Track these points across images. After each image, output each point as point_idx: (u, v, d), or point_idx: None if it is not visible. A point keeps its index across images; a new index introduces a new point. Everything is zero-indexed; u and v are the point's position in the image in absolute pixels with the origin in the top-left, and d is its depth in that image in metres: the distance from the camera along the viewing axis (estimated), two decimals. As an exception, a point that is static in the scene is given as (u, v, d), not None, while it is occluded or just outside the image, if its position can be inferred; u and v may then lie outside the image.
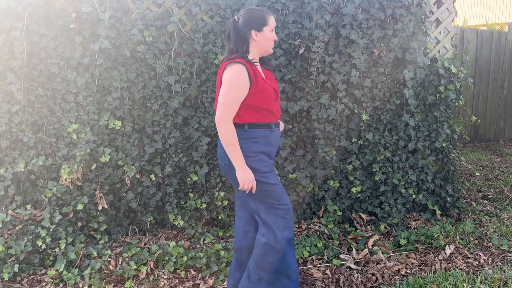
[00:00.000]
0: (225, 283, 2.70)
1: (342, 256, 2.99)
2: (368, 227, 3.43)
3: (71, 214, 3.08)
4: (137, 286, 2.69)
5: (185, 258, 2.88)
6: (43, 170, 3.09)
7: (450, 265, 2.91)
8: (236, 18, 2.25)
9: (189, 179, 3.28)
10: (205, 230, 3.35)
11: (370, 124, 3.50)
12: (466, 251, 3.10)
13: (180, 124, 3.27)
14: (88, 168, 3.12)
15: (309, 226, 3.40)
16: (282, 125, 2.65)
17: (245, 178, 2.20)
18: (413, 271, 2.85)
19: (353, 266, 2.89)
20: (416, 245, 3.14)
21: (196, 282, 2.73)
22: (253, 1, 3.17)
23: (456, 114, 3.70)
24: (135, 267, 2.81)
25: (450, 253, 3.06)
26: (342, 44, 3.32)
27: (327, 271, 2.83)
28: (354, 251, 3.04)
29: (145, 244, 3.16)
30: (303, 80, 3.36)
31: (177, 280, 2.75)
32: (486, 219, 3.64)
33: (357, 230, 3.37)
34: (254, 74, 2.21)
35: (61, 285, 2.71)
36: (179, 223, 3.22)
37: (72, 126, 3.05)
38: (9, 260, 2.80)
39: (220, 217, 3.34)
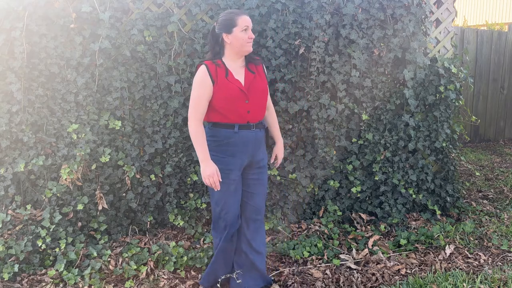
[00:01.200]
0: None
1: (342, 256, 2.99)
2: (368, 227, 3.43)
3: (71, 214, 3.08)
4: (137, 286, 2.69)
5: (185, 258, 2.88)
6: (43, 170, 3.09)
7: (450, 265, 2.91)
8: (215, 23, 2.39)
9: (189, 179, 3.29)
10: (205, 230, 3.35)
11: (370, 124, 3.50)
12: (466, 251, 3.10)
13: (180, 124, 3.27)
14: (88, 168, 3.12)
15: (309, 226, 3.40)
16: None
17: (203, 172, 2.30)
18: (413, 271, 2.85)
19: (353, 266, 2.89)
20: (416, 245, 3.14)
21: (196, 281, 2.73)
22: (253, 1, 3.17)
23: (456, 114, 3.70)
24: (135, 267, 2.81)
25: (450, 253, 3.06)
26: (342, 44, 3.32)
27: (327, 271, 2.83)
28: (354, 251, 3.04)
29: (145, 244, 3.16)
30: (303, 80, 3.36)
31: (177, 280, 2.75)
32: (486, 219, 3.64)
33: (357, 230, 3.37)
34: (216, 73, 2.32)
35: (61, 285, 2.71)
36: (179, 223, 3.22)
37: (72, 126, 3.05)
38: (9, 260, 2.80)
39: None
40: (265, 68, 2.59)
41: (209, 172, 2.28)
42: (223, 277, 2.56)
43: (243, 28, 2.30)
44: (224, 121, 2.37)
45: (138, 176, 3.20)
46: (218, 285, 2.55)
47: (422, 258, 3.00)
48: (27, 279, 2.74)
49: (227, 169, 2.38)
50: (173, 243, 3.04)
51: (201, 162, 2.30)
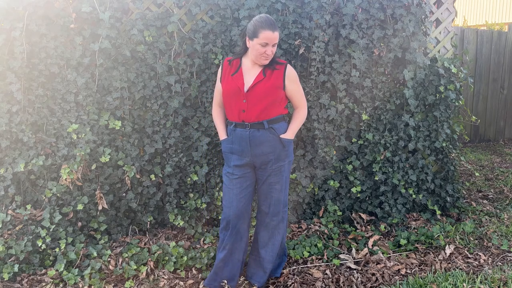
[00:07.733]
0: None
1: (342, 256, 2.99)
2: (368, 227, 3.43)
3: (71, 214, 3.08)
4: (137, 286, 2.69)
5: (185, 258, 2.88)
6: (43, 170, 3.09)
7: (450, 265, 2.91)
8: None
9: (189, 179, 3.28)
10: (205, 230, 3.35)
11: (370, 124, 3.50)
12: (466, 251, 3.10)
13: (180, 124, 3.27)
14: (88, 168, 3.12)
15: (309, 226, 3.40)
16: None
17: None
18: (413, 271, 2.85)
19: (353, 266, 2.89)
20: (416, 245, 3.14)
21: (197, 281, 2.73)
22: (253, 1, 3.17)
23: (456, 114, 3.70)
24: (135, 267, 2.81)
25: (450, 253, 3.06)
26: (342, 44, 3.31)
27: (327, 271, 2.83)
28: (354, 251, 3.04)
29: (145, 244, 3.16)
30: (303, 80, 3.36)
31: (177, 280, 2.75)
32: (486, 219, 3.64)
33: (357, 230, 3.37)
34: (226, 70, 2.48)
35: (61, 285, 2.71)
36: (179, 223, 3.22)
37: (72, 126, 3.04)
38: (9, 260, 2.80)
39: (220, 217, 3.33)
40: (289, 74, 2.47)
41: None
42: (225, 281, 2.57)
43: (261, 43, 2.31)
44: (228, 118, 2.54)
45: (138, 176, 3.20)
46: (223, 284, 2.55)
47: (422, 258, 3.00)
48: (27, 279, 2.74)
49: (229, 165, 2.54)
50: (173, 243, 3.04)
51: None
